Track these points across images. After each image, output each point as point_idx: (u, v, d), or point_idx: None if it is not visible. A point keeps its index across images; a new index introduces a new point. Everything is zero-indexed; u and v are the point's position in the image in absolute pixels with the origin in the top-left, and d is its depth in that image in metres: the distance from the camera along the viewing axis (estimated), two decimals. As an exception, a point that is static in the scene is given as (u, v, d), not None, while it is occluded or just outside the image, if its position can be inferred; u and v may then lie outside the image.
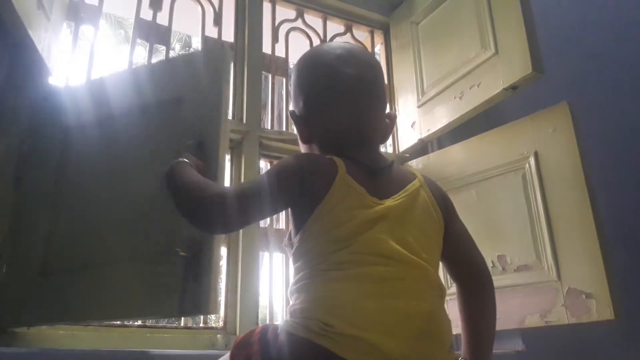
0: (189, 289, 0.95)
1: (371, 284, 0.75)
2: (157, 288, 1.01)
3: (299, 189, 0.81)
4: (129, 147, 1.17)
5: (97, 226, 1.14)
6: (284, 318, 0.80)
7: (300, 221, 0.82)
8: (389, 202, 0.82)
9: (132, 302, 1.05)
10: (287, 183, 0.81)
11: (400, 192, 0.85)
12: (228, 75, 1.10)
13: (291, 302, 0.81)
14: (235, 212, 0.79)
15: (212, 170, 0.97)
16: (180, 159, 0.89)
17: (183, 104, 1.09)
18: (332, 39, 2.07)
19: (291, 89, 0.97)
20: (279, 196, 0.82)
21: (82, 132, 1.25)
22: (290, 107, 0.96)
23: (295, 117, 0.93)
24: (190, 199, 0.82)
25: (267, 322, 1.47)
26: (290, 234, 0.86)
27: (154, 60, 1.63)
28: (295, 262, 0.84)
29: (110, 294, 1.07)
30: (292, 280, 0.84)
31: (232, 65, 1.13)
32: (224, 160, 1.02)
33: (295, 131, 0.96)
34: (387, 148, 2.03)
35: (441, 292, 0.82)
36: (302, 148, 0.96)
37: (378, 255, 0.77)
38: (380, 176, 0.86)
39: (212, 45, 1.32)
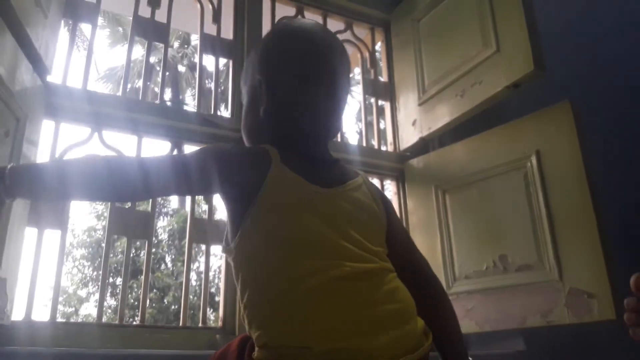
0: None
1: (331, 291, 0.71)
2: None
3: (222, 176, 0.77)
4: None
5: None
6: (256, 349, 0.74)
7: (236, 220, 0.77)
8: (330, 191, 0.80)
9: None
10: (208, 164, 0.77)
11: (342, 185, 0.83)
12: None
13: (255, 331, 0.74)
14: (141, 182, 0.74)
15: None
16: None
17: None
18: (335, 34, 2.06)
19: (255, 66, 0.90)
20: (197, 176, 0.77)
21: None
22: (248, 85, 0.91)
23: (253, 97, 0.88)
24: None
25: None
26: (227, 236, 0.81)
27: (152, 58, 1.63)
28: (237, 271, 0.78)
29: None
30: (242, 301, 0.77)
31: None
32: None
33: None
34: (387, 147, 2.03)
35: (392, 273, 0.80)
36: (244, 131, 0.92)
37: (329, 257, 0.73)
38: (323, 167, 0.84)
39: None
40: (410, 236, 0.96)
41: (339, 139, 2.00)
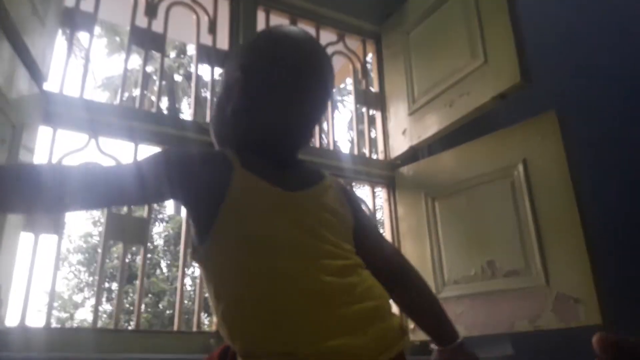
0: None
1: (311, 292, 0.69)
2: None
3: (176, 182, 0.73)
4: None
5: None
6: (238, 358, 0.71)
7: (202, 227, 0.74)
8: (297, 194, 0.78)
9: None
10: (161, 169, 0.73)
11: (308, 188, 0.81)
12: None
13: (235, 342, 0.71)
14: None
15: None
16: None
17: None
18: (325, 47, 2.07)
19: (235, 64, 0.86)
20: (153, 182, 0.73)
21: None
22: (223, 82, 0.87)
23: (237, 94, 0.82)
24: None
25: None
26: (193, 243, 0.78)
27: (149, 67, 1.62)
28: (208, 277, 0.75)
29: None
30: (216, 312, 0.74)
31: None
32: None
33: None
34: (378, 155, 2.03)
35: (365, 269, 0.79)
36: (211, 126, 0.90)
37: (305, 258, 0.72)
38: (287, 171, 0.81)
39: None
40: (379, 230, 0.94)
41: (331, 147, 2.00)
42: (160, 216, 12.66)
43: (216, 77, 1.72)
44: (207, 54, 1.82)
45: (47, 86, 1.39)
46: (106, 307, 10.90)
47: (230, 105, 0.82)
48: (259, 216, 0.73)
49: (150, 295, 10.93)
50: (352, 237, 0.83)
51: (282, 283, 0.69)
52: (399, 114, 1.94)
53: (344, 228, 0.82)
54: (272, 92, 0.81)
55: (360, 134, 2.16)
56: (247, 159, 0.77)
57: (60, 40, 1.53)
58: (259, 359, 0.68)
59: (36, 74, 1.31)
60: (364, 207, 0.94)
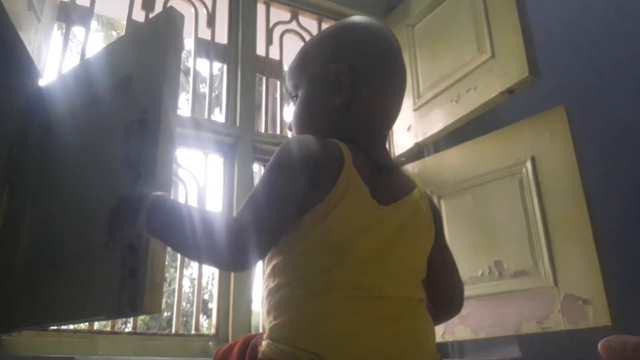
0: (126, 286, 0.85)
1: (365, 316, 0.69)
2: (99, 287, 0.92)
3: (309, 185, 0.71)
4: (93, 136, 1.10)
5: (67, 223, 1.09)
6: (266, 338, 0.72)
7: (303, 202, 0.72)
8: (389, 210, 0.75)
9: (78, 303, 0.98)
10: (298, 181, 0.71)
11: (399, 201, 0.78)
12: (177, 43, 0.97)
13: (272, 320, 0.71)
14: (256, 246, 0.68)
15: (151, 152, 0.86)
16: (152, 198, 0.72)
17: (133, 82, 1.00)
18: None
19: (328, 54, 0.84)
20: (293, 201, 0.70)
21: (58, 128, 1.23)
22: (310, 74, 0.85)
23: (330, 79, 0.81)
24: (202, 252, 0.69)
25: (260, 329, 1.47)
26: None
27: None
28: (274, 268, 0.74)
29: (62, 295, 1.01)
30: (267, 285, 0.75)
31: (182, 31, 1.03)
32: (170, 140, 0.90)
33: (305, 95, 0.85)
34: (382, 152, 2.03)
35: (424, 303, 0.78)
36: (301, 121, 0.85)
37: (373, 284, 0.71)
38: (383, 177, 0.78)
39: (162, 14, 1.15)
40: (453, 258, 0.92)
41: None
42: (158, 215, 12.65)
43: (215, 71, 1.73)
44: (206, 48, 1.83)
45: (42, 82, 1.40)
46: (103, 308, 10.92)
47: (341, 96, 0.81)
48: (348, 222, 0.72)
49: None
50: (427, 258, 0.82)
51: (343, 291, 0.69)
52: (403, 109, 1.91)
53: (423, 249, 0.81)
54: (374, 83, 0.82)
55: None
56: (354, 155, 0.75)
57: (56, 35, 1.54)
58: (286, 347, 0.67)
59: (31, 69, 1.32)
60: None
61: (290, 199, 0.70)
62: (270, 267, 0.75)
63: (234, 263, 0.71)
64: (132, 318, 1.46)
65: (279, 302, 0.71)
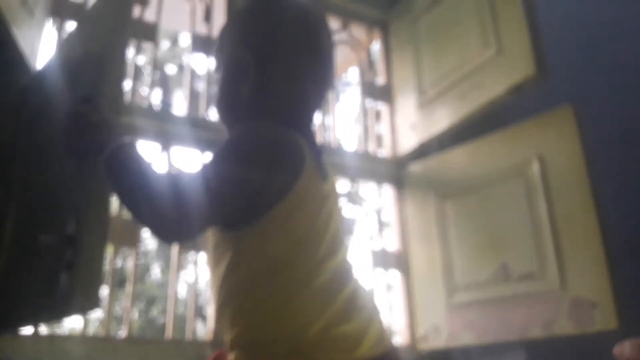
0: (61, 282, 0.78)
1: (336, 282, 0.76)
2: (38, 284, 0.87)
3: (277, 182, 0.74)
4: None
5: (29, 214, 1.07)
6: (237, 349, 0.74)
7: (266, 197, 0.74)
8: (329, 183, 0.83)
9: (20, 306, 0.94)
10: (269, 178, 0.73)
11: (331, 176, 0.85)
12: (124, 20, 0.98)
13: (235, 326, 0.74)
14: (200, 230, 0.71)
15: (100, 128, 0.79)
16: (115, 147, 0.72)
17: (85, 62, 1.01)
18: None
19: (237, 38, 0.86)
20: (259, 195, 0.73)
21: (35, 121, 1.24)
22: (225, 59, 0.87)
23: (252, 69, 0.82)
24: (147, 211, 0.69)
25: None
26: (234, 215, 0.75)
27: (140, 58, 1.64)
28: (237, 270, 0.74)
29: (9, 297, 0.98)
30: (228, 286, 0.75)
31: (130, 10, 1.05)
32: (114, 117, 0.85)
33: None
34: (384, 151, 2.04)
35: None
36: (219, 106, 0.87)
37: (336, 251, 0.79)
38: (318, 152, 0.83)
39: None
40: None
41: (334, 143, 2.01)
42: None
43: (213, 67, 1.74)
44: (203, 44, 1.84)
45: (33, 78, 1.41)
46: (97, 313, 10.93)
47: (247, 81, 0.82)
48: (310, 205, 0.77)
49: (144, 301, 10.94)
50: None
51: (321, 273, 0.74)
52: (407, 106, 1.95)
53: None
54: (285, 63, 0.83)
55: (365, 129, 2.17)
56: (305, 142, 0.80)
57: (49, 31, 1.56)
58: (264, 346, 0.72)
59: (24, 66, 1.33)
60: None
61: (258, 194, 0.72)
62: (229, 269, 0.75)
63: (172, 240, 0.77)
64: (126, 323, 1.48)
65: (257, 304, 0.73)
